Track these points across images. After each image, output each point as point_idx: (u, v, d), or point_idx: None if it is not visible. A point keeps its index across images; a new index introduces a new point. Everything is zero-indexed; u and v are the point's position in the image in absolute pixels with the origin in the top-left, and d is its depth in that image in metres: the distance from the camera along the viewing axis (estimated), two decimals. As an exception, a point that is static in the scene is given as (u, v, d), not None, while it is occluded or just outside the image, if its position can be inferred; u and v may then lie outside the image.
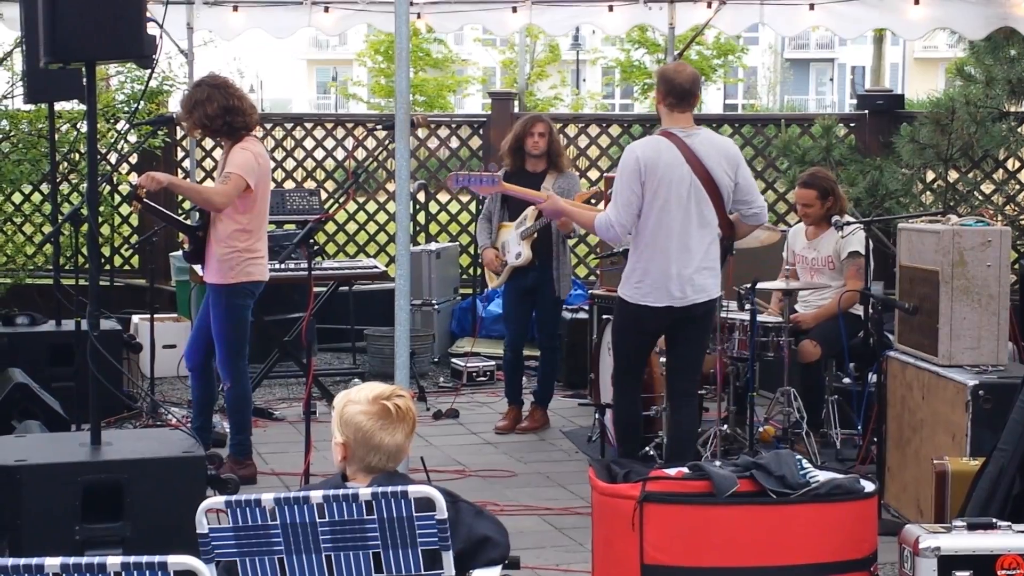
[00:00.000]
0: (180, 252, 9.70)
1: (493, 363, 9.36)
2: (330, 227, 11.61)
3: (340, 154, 11.88)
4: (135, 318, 9.49)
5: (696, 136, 5.94)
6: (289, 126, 11.84)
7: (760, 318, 6.87)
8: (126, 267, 11.60)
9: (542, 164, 7.80)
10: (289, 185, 11.45)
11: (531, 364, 8.67)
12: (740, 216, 6.11)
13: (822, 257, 7.41)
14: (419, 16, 10.47)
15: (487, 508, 3.98)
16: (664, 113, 5.99)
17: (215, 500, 3.15)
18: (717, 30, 11.89)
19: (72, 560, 2.63)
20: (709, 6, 10.13)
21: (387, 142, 11.42)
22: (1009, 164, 10.88)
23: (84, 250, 8.65)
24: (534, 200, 6.85)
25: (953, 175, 10.50)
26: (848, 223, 7.03)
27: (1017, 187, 10.93)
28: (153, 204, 6.84)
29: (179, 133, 11.31)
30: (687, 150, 5.87)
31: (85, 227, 6.01)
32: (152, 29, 4.93)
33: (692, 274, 5.89)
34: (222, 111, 6.53)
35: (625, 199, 5.86)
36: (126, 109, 10.65)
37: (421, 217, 11.18)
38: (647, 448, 6.93)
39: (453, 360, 9.74)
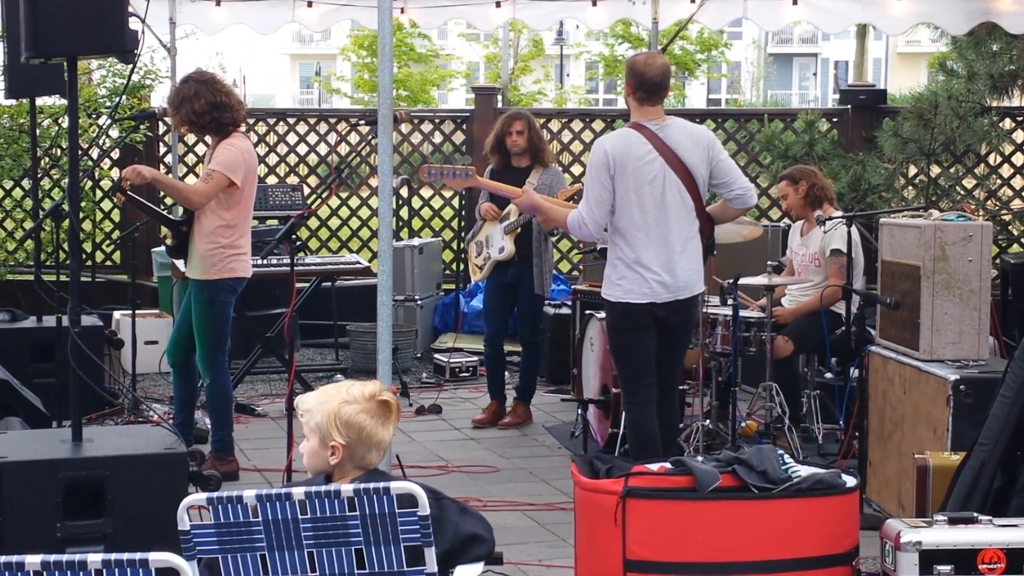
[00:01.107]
0: (162, 248, 9.67)
1: (476, 359, 9.36)
2: (313, 222, 11.59)
3: (323, 149, 11.86)
4: (117, 314, 9.46)
5: (668, 127, 5.79)
6: (272, 121, 11.82)
7: (742, 313, 6.89)
8: (108, 263, 11.57)
9: (526, 160, 7.83)
10: (272, 180, 11.43)
11: (514, 359, 8.67)
12: (724, 200, 5.93)
13: (810, 254, 7.45)
14: (403, 11, 10.45)
15: (470, 504, 3.98)
16: (633, 106, 5.87)
17: (197, 497, 3.15)
18: (700, 25, 11.90)
19: (53, 558, 2.62)
20: (692, 1, 10.14)
21: (370, 137, 11.39)
22: (991, 159, 10.91)
23: (65, 246, 8.62)
24: (510, 195, 6.78)
25: (935, 170, 10.54)
26: (830, 218, 7.05)
27: (998, 182, 10.97)
28: (137, 197, 6.83)
29: (161, 128, 11.29)
30: (659, 141, 5.74)
31: (66, 222, 5.99)
32: (134, 24, 4.91)
33: (673, 269, 5.75)
34: (209, 107, 6.52)
35: (596, 195, 5.73)
36: (108, 104, 10.61)
37: (404, 212, 11.18)
38: (628, 444, 6.94)
39: (436, 356, 9.74)
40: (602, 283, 5.97)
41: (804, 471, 4.58)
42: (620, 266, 5.81)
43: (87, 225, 10.87)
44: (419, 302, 10.15)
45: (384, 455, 3.50)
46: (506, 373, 8.30)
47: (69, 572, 2.60)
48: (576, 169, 11.53)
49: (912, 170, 10.62)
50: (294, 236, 6.31)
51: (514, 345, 8.52)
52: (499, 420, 8.01)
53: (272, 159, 11.67)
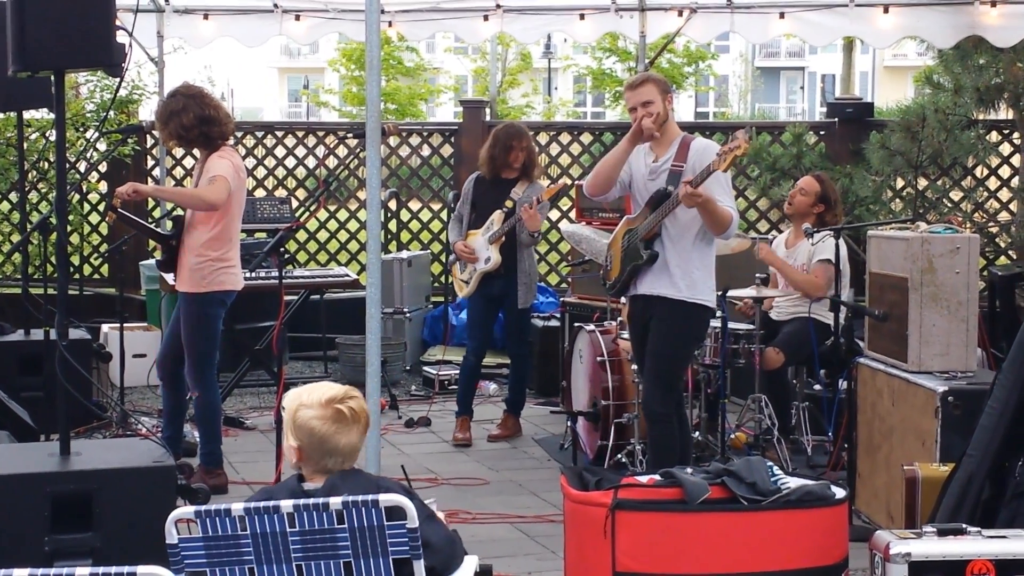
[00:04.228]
0: (151, 261, 9.66)
1: (465, 371, 9.33)
2: (301, 235, 11.58)
3: (311, 162, 11.86)
4: (105, 327, 9.44)
5: None
6: (260, 134, 11.82)
7: (731, 325, 6.90)
8: (96, 276, 11.54)
9: (515, 172, 7.84)
10: (260, 193, 11.42)
11: (503, 372, 8.66)
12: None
13: (798, 266, 7.46)
14: (390, 24, 10.47)
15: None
16: (673, 117, 5.96)
17: (185, 510, 3.14)
18: (688, 38, 11.93)
19: (40, 571, 2.61)
20: (680, 14, 10.17)
21: (358, 150, 11.38)
22: (977, 171, 10.95)
23: (53, 259, 8.61)
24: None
25: (922, 182, 10.57)
26: (818, 230, 7.07)
27: (985, 194, 11.00)
28: (127, 214, 6.83)
29: (149, 141, 11.28)
30: None
31: (54, 236, 5.99)
32: (122, 37, 4.91)
33: None
34: (198, 121, 6.51)
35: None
36: (96, 118, 10.61)
37: (392, 225, 11.18)
38: (619, 455, 6.94)
39: (425, 368, 9.73)
40: (693, 290, 5.81)
41: (793, 483, 4.58)
42: (712, 272, 5.88)
43: (75, 238, 10.86)
44: (408, 315, 10.14)
45: (347, 460, 3.41)
46: (495, 386, 8.28)
47: (57, 586, 2.60)
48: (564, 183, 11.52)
49: (899, 183, 10.65)
50: (282, 249, 6.31)
51: (501, 357, 8.50)
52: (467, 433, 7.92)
53: (260, 172, 11.66)
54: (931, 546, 4.21)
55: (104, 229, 11.46)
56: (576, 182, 10.19)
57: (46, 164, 10.66)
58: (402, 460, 7.32)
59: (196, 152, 6.82)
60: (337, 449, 3.38)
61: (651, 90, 5.81)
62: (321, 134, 11.89)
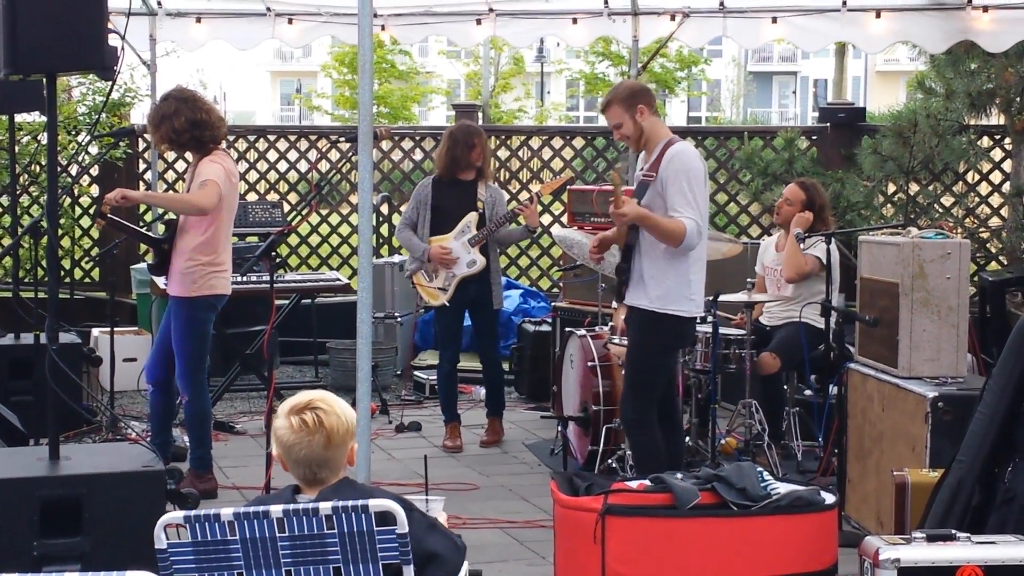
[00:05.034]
0: (141, 265, 9.65)
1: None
2: (293, 239, 11.57)
3: (303, 166, 11.86)
4: (95, 331, 9.42)
5: None
6: (252, 138, 11.81)
7: (722, 331, 6.91)
8: (86, 280, 11.53)
9: (472, 173, 7.78)
10: (252, 197, 11.42)
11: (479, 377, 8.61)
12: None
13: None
14: (383, 28, 10.46)
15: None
16: (656, 121, 5.84)
17: (174, 515, 3.13)
18: (680, 43, 11.94)
19: (29, 575, 2.61)
20: (673, 19, 10.18)
21: (350, 154, 11.38)
22: (969, 177, 10.97)
23: (44, 263, 8.60)
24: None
25: (914, 187, 10.59)
26: (809, 235, 7.09)
27: (976, 200, 11.02)
28: (117, 219, 6.82)
29: (141, 145, 11.27)
30: None
31: (45, 240, 5.98)
32: (114, 40, 4.90)
33: None
34: (189, 125, 6.50)
35: (704, 204, 5.73)
36: (87, 121, 10.60)
37: (384, 230, 11.17)
38: (609, 460, 6.94)
39: (416, 373, 9.72)
40: (660, 300, 5.73)
41: (783, 488, 4.59)
42: (696, 282, 5.80)
43: (66, 242, 10.85)
44: (399, 319, 10.13)
45: (322, 471, 3.33)
46: (483, 390, 8.26)
47: (44, 591, 2.59)
48: (556, 186, 11.51)
49: (891, 188, 10.67)
50: (274, 253, 6.30)
51: (473, 361, 8.46)
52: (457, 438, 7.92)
53: (252, 176, 11.65)
54: (920, 552, 4.21)
55: (95, 233, 11.45)
56: (569, 187, 10.18)
57: (37, 167, 10.64)
58: (392, 465, 7.33)
59: (188, 156, 6.81)
60: (300, 460, 3.31)
61: (616, 112, 5.80)
62: (313, 138, 11.89)
